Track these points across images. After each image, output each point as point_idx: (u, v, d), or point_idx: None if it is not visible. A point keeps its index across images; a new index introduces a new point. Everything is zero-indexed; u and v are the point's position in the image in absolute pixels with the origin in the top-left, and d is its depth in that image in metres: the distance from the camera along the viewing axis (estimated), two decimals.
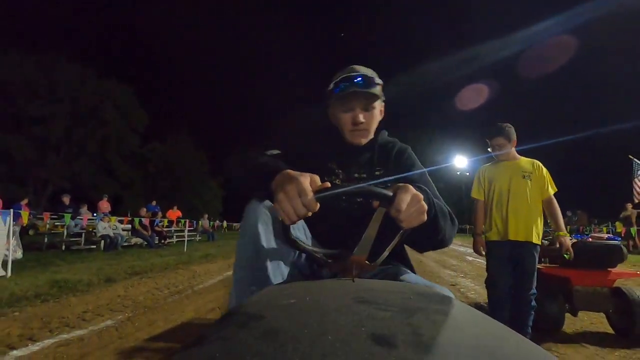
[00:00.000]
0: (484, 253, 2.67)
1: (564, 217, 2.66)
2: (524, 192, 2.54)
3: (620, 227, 11.27)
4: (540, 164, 2.64)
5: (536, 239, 2.51)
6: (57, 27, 38.26)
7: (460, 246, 14.97)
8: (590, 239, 3.07)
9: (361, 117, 1.08)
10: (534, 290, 2.49)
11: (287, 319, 0.41)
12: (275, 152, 1.10)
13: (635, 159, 11.46)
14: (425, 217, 0.75)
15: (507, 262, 2.55)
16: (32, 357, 2.29)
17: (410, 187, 0.73)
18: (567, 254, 2.58)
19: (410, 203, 0.71)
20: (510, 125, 2.63)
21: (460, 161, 41.18)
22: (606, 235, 10.21)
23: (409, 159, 1.19)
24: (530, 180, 2.56)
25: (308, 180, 0.68)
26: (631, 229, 10.46)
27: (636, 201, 11.43)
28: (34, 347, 2.44)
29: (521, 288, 2.49)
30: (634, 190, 12.70)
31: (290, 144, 1.20)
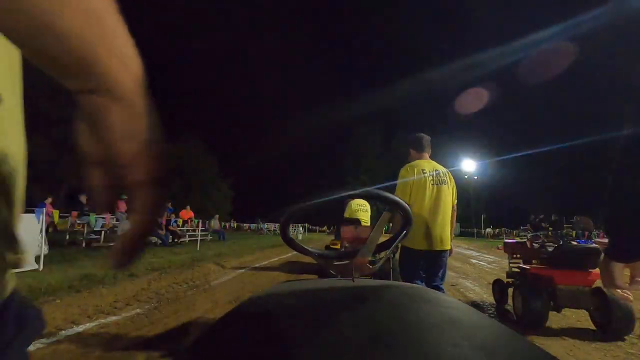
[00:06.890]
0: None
1: (570, 222, 2.88)
2: None
3: None
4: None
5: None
6: None
7: (467, 249, 15.12)
8: (593, 244, 3.39)
9: None
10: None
11: (287, 318, 0.42)
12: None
13: None
14: None
15: None
16: (79, 337, 2.66)
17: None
18: None
19: None
20: (413, 135, 2.84)
21: (468, 165, 41.08)
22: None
23: None
24: None
25: None
26: None
27: None
28: (79, 329, 2.82)
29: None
30: None
31: None
